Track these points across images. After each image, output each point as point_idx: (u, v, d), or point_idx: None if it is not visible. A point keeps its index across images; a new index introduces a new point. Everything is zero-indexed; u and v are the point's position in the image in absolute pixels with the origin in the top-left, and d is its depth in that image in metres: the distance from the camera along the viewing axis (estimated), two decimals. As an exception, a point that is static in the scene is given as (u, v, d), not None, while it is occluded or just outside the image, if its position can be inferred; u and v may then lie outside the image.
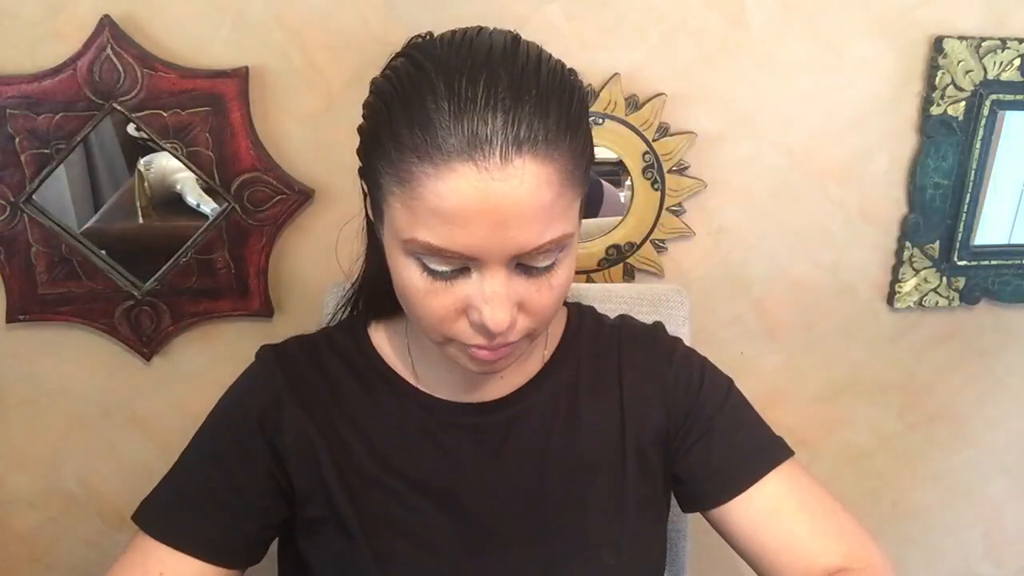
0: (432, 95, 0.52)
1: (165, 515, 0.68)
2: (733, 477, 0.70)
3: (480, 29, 0.58)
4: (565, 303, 0.79)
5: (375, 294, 0.73)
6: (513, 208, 0.52)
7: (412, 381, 0.72)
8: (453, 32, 0.58)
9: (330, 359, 0.73)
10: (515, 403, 0.71)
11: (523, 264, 0.56)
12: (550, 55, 0.58)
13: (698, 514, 0.75)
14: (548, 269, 0.57)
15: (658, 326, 0.79)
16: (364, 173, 0.61)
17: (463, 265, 0.56)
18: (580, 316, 0.78)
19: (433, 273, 0.56)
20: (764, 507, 0.70)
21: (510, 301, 0.56)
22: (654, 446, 0.73)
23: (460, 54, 0.54)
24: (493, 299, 0.55)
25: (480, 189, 0.51)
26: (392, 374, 0.72)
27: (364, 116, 0.60)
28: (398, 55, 0.59)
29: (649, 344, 0.76)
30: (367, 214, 0.67)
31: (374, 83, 0.59)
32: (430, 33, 0.60)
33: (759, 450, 0.72)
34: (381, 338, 0.74)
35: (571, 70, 0.59)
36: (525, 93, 0.52)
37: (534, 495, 0.69)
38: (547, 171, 0.53)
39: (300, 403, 0.69)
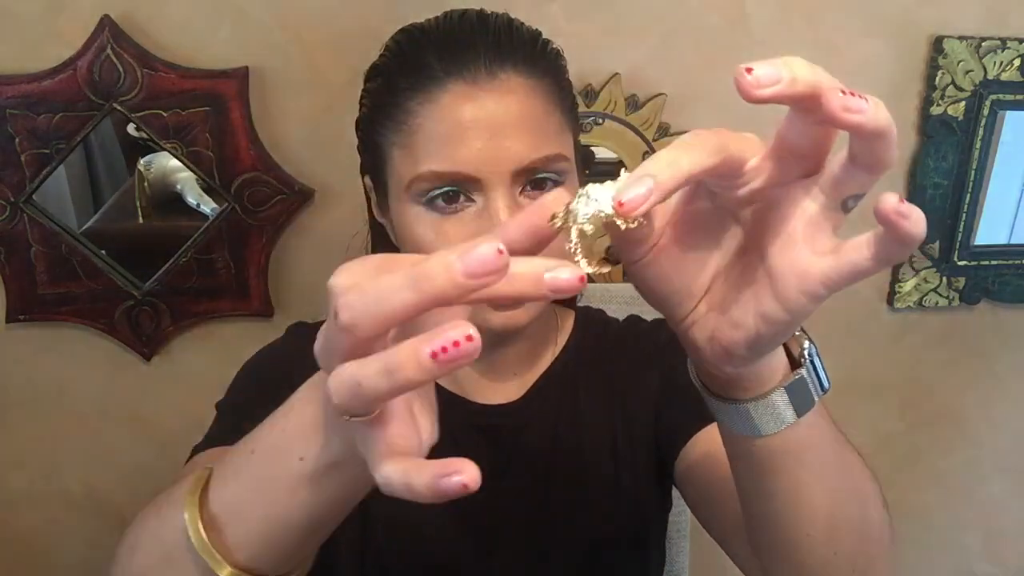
0: (420, 39, 0.59)
1: (219, 441, 0.67)
2: (685, 423, 0.68)
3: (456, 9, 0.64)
4: (573, 307, 0.79)
5: None
6: (505, 116, 0.55)
7: None
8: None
9: None
10: (527, 407, 0.71)
11: (528, 187, 0.58)
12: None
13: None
14: (553, 189, 0.58)
15: (659, 322, 0.79)
16: (365, 158, 0.63)
17: (468, 195, 0.57)
18: (586, 319, 0.79)
19: (441, 210, 0.57)
20: (706, 449, 0.65)
21: None
22: (652, 439, 0.72)
23: (444, 16, 0.61)
24: (504, 216, 0.56)
25: (472, 100, 0.55)
26: None
27: (361, 104, 0.63)
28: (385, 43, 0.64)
29: (647, 337, 0.77)
30: (371, 216, 0.68)
31: (365, 74, 0.64)
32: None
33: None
34: None
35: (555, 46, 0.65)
36: (504, 24, 0.59)
37: (538, 499, 0.70)
38: (531, 84, 0.57)
39: None
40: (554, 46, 0.63)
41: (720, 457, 0.62)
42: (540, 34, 0.63)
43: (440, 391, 0.71)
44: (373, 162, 0.62)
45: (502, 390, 0.72)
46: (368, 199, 0.68)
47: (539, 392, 0.72)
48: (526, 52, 0.58)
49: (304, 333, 0.74)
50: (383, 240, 0.67)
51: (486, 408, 0.71)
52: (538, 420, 0.72)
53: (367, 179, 0.66)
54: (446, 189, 0.57)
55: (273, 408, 0.62)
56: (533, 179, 0.58)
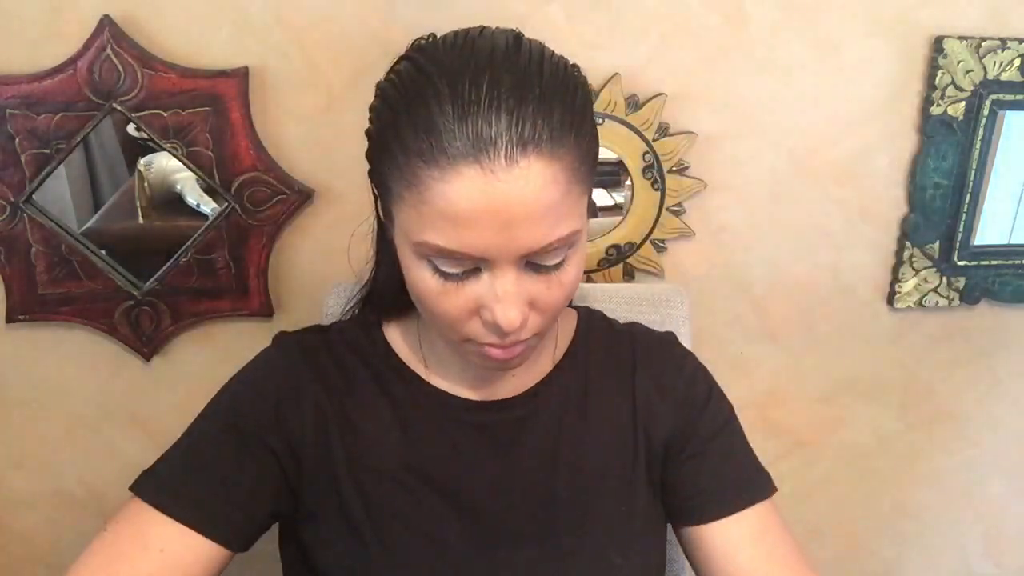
0: (436, 99, 0.53)
1: (171, 488, 0.65)
2: (713, 503, 0.71)
3: (482, 29, 0.59)
4: (574, 306, 0.80)
5: (387, 295, 0.73)
6: (520, 209, 0.52)
7: (425, 377, 0.72)
8: (455, 33, 0.59)
9: (344, 352, 0.73)
10: (526, 402, 0.72)
11: (533, 263, 0.57)
12: (552, 52, 0.59)
13: None
14: (558, 266, 0.58)
15: (671, 336, 0.79)
16: (373, 176, 0.61)
17: (474, 266, 0.56)
18: (590, 319, 0.79)
19: (444, 275, 0.57)
20: (733, 539, 0.70)
21: (521, 300, 0.57)
22: (659, 454, 0.73)
23: (462, 56, 0.55)
24: (504, 298, 0.56)
25: (486, 192, 0.52)
26: (405, 369, 0.72)
27: (371, 120, 0.60)
28: (401, 58, 0.60)
29: (663, 354, 0.77)
30: (377, 216, 0.68)
31: (379, 87, 0.60)
32: (433, 35, 0.60)
33: (745, 481, 0.73)
34: (394, 335, 0.74)
35: (574, 66, 0.60)
36: (528, 92, 0.53)
37: (543, 494, 0.70)
38: (553, 170, 0.53)
39: (319, 391, 0.70)
40: (584, 92, 0.59)
41: (750, 549, 0.69)
42: (576, 87, 0.58)
43: (431, 388, 0.71)
44: (380, 187, 0.61)
45: (500, 388, 0.72)
46: (375, 198, 0.67)
47: (540, 389, 0.72)
48: (553, 131, 0.53)
49: (292, 347, 0.73)
50: (387, 242, 0.67)
51: (483, 403, 0.71)
52: (540, 417, 0.72)
53: (373, 187, 0.64)
54: (452, 271, 0.56)
55: (235, 448, 0.68)
56: (535, 262, 0.57)
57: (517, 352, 0.61)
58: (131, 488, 0.67)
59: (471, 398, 0.71)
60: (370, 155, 0.60)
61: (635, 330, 0.79)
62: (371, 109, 0.60)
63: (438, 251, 0.55)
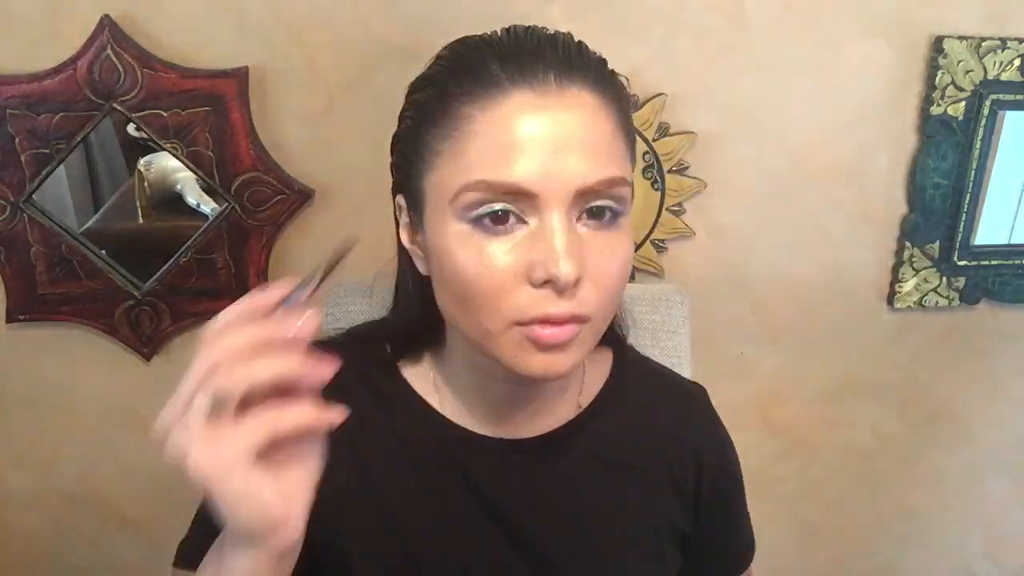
0: (481, 47, 0.54)
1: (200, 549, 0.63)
2: (700, 571, 0.72)
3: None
4: (610, 346, 0.73)
5: (405, 337, 0.68)
6: (572, 130, 0.51)
7: (440, 411, 0.67)
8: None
9: (354, 381, 0.66)
10: (550, 444, 0.66)
11: (584, 215, 0.53)
12: None
13: None
14: (610, 224, 0.54)
15: (705, 394, 0.75)
16: (400, 175, 0.58)
17: (520, 214, 0.52)
18: (625, 361, 0.73)
19: (487, 230, 0.52)
20: None
21: (575, 251, 0.51)
22: (683, 517, 0.71)
23: (505, 29, 0.56)
24: (560, 242, 0.51)
25: (539, 111, 0.51)
26: (421, 403, 0.67)
27: (403, 117, 0.59)
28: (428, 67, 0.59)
29: (701, 412, 0.74)
30: (399, 242, 0.63)
31: (410, 87, 0.59)
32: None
33: (735, 555, 0.75)
34: (409, 372, 0.69)
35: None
36: (572, 42, 0.55)
37: (566, 538, 0.66)
38: (601, 103, 0.53)
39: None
40: (621, 77, 0.59)
41: None
42: (607, 62, 0.58)
43: (446, 423, 0.66)
44: (410, 176, 0.57)
45: (518, 427, 0.66)
46: (397, 222, 0.62)
47: (566, 433, 0.67)
48: (596, 73, 0.54)
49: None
50: (412, 269, 0.62)
51: (501, 441, 0.66)
52: (564, 460, 0.66)
53: (400, 198, 0.60)
54: (497, 208, 0.51)
55: None
56: (592, 206, 0.53)
57: (570, 333, 0.54)
58: (173, 565, 0.65)
59: (489, 435, 0.66)
60: (400, 146, 0.58)
61: (672, 380, 0.75)
62: (402, 111, 0.59)
63: (485, 188, 0.51)
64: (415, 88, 0.58)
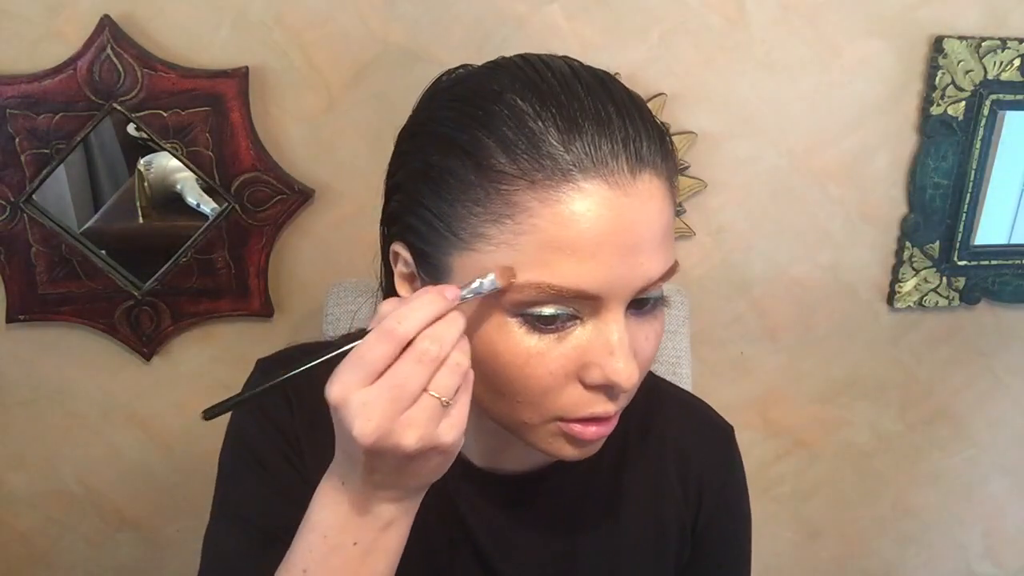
0: (528, 114, 0.45)
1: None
2: None
3: (518, 55, 0.51)
4: None
5: None
6: (645, 229, 0.46)
7: None
8: (497, 59, 0.51)
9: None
10: (547, 477, 0.63)
11: (636, 302, 0.48)
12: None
13: None
14: (652, 310, 0.50)
15: (729, 432, 0.71)
16: (407, 235, 0.51)
17: (576, 312, 0.47)
18: (642, 395, 0.69)
19: (541, 329, 0.47)
20: None
21: (630, 348, 0.48)
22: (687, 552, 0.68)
23: (534, 70, 0.48)
24: (620, 347, 0.46)
25: (613, 210, 0.44)
26: None
27: (406, 160, 0.51)
28: (433, 89, 0.52)
29: (726, 452, 0.69)
30: (388, 289, 0.59)
31: (425, 141, 0.50)
32: (463, 65, 0.53)
33: None
34: None
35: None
36: (630, 108, 0.47)
37: (562, 570, 0.63)
38: (665, 188, 0.47)
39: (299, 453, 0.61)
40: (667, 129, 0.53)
41: None
42: (666, 129, 0.52)
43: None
44: (430, 243, 0.49)
45: (512, 459, 0.63)
46: (388, 267, 0.55)
47: (561, 464, 0.62)
48: (659, 148, 0.47)
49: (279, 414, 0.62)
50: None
51: (496, 475, 0.62)
52: (560, 492, 0.64)
53: (400, 247, 0.52)
54: (555, 312, 0.46)
55: (269, 491, 0.60)
56: (643, 297, 0.49)
57: (610, 428, 0.51)
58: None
59: (483, 467, 0.62)
60: (405, 207, 0.50)
61: (697, 411, 0.70)
62: (402, 151, 0.51)
63: (542, 292, 0.45)
64: (438, 149, 0.48)
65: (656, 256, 0.47)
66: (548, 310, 0.46)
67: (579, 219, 0.44)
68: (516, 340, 0.47)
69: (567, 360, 0.47)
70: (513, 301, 0.46)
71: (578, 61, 0.51)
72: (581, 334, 0.47)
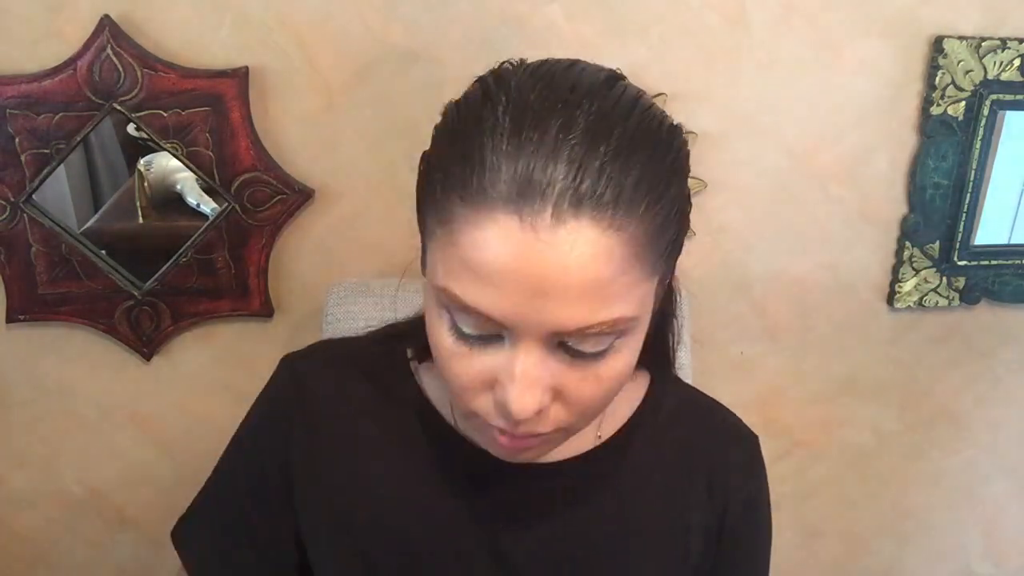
0: (492, 130, 0.45)
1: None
2: None
3: (574, 62, 0.49)
4: (649, 368, 0.68)
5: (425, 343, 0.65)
6: (557, 279, 0.43)
7: (452, 423, 0.64)
8: (543, 61, 0.50)
9: (356, 379, 0.66)
10: (566, 471, 0.62)
11: (567, 345, 0.47)
12: (652, 103, 0.49)
13: None
14: (598, 356, 0.48)
15: (755, 441, 0.70)
16: (419, 210, 0.53)
17: (496, 331, 0.47)
18: (663, 396, 0.67)
19: (461, 334, 0.48)
20: None
21: (542, 385, 0.47)
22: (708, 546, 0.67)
23: (538, 87, 0.46)
24: (521, 379, 0.46)
25: (519, 249, 0.43)
26: (427, 408, 0.64)
27: (432, 141, 0.53)
28: (478, 79, 0.51)
29: (743, 452, 0.69)
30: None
31: (445, 108, 0.51)
32: (522, 60, 0.51)
33: None
34: (428, 376, 0.66)
35: (676, 126, 0.51)
36: (601, 142, 0.44)
37: (572, 567, 0.63)
38: (609, 242, 0.44)
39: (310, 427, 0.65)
40: (678, 156, 0.50)
41: None
42: (668, 147, 0.49)
43: (455, 436, 0.63)
44: (423, 223, 0.52)
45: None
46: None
47: (582, 463, 0.63)
48: (621, 193, 0.44)
49: (302, 373, 0.67)
50: None
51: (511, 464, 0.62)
52: (576, 489, 0.63)
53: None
54: (470, 331, 0.47)
55: (263, 489, 0.66)
56: (574, 345, 0.47)
57: (528, 445, 0.51)
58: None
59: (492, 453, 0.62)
60: (419, 180, 0.52)
61: (721, 417, 0.70)
62: (434, 129, 0.52)
63: (457, 304, 0.46)
64: (442, 116, 0.50)
65: (575, 307, 0.44)
66: (464, 325, 0.47)
67: (486, 247, 0.44)
68: (445, 335, 0.49)
69: (481, 371, 0.48)
70: (442, 301, 0.48)
71: (611, 72, 0.50)
72: (497, 352, 0.48)
